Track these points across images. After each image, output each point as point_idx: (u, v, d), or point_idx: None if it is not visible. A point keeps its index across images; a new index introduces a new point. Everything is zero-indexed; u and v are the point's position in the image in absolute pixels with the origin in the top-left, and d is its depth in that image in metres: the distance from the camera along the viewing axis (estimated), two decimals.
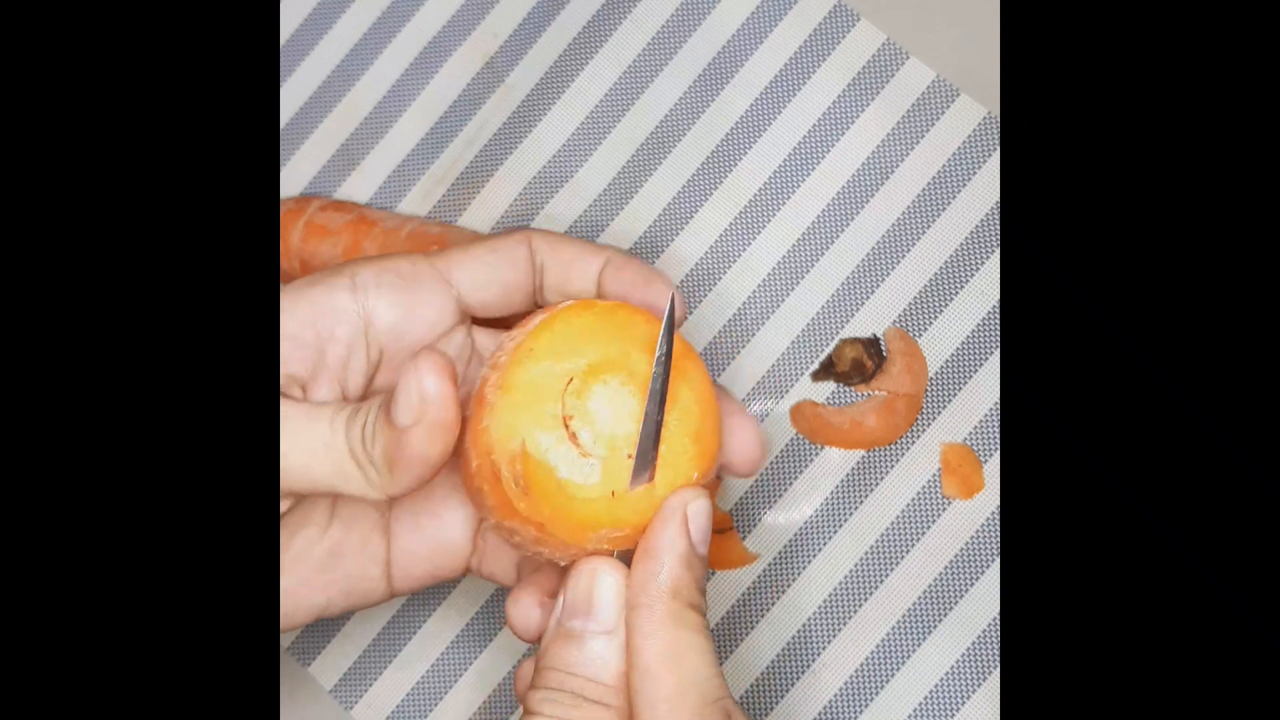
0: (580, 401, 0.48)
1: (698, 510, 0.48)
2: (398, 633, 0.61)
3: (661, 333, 0.48)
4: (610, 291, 0.53)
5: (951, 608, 0.59)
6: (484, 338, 0.54)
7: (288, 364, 0.51)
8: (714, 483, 0.54)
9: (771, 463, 0.60)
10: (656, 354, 0.48)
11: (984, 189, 0.60)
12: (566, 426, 0.48)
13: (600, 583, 0.47)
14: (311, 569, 0.52)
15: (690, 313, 0.61)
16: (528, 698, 0.47)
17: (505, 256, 0.53)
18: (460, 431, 0.49)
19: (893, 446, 0.60)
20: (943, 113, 0.61)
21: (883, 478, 0.60)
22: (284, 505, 0.51)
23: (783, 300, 0.61)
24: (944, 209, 0.60)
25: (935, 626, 0.58)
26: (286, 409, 0.48)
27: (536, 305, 0.54)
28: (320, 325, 0.52)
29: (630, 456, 0.48)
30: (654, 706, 0.46)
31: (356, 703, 0.61)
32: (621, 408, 0.48)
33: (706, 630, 0.47)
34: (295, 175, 0.64)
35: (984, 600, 0.58)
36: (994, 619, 0.58)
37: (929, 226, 0.60)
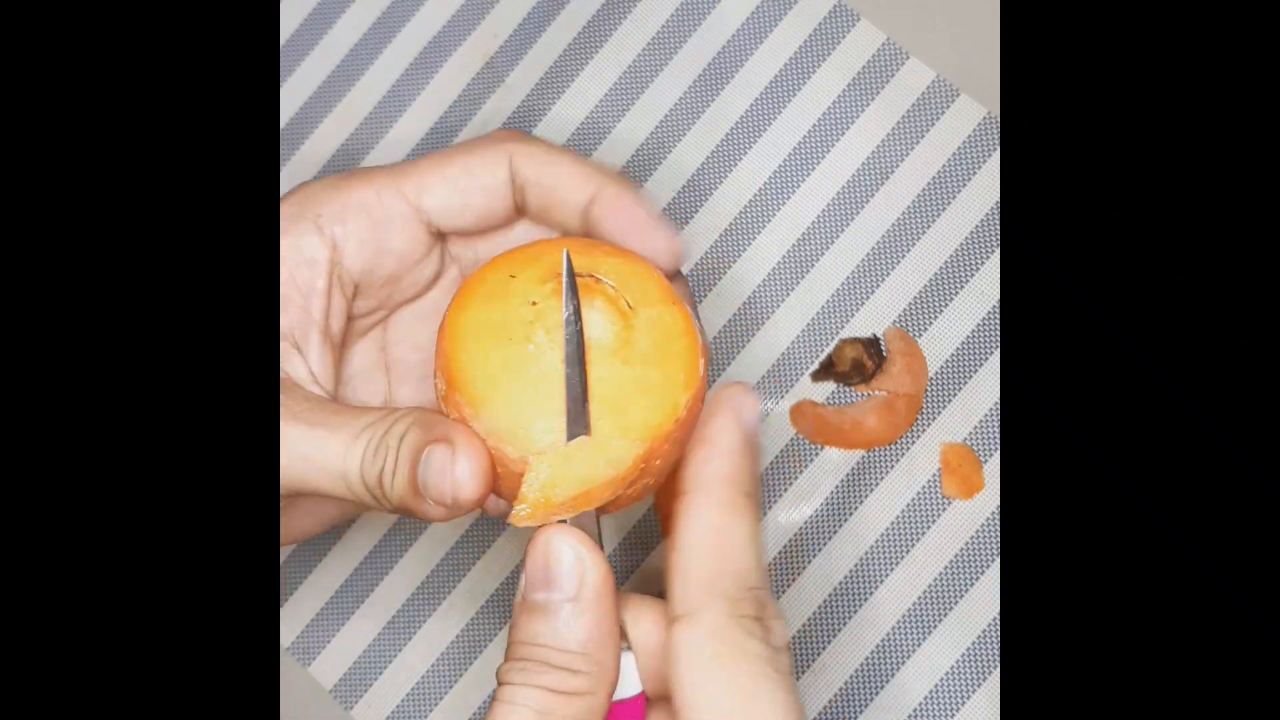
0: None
1: (748, 404, 0.47)
2: (398, 633, 0.61)
3: (564, 291, 0.46)
4: (598, 232, 0.51)
5: (951, 608, 0.59)
6: (459, 248, 0.54)
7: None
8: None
9: (771, 463, 0.60)
10: (564, 314, 0.46)
11: (984, 189, 0.60)
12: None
13: (556, 551, 0.46)
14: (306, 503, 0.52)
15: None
16: (500, 671, 0.46)
17: (481, 180, 0.51)
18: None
19: (893, 446, 0.60)
20: (943, 113, 0.61)
21: (883, 478, 0.60)
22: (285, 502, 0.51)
23: (783, 300, 0.61)
24: (944, 209, 0.60)
25: (935, 626, 0.58)
26: (297, 428, 0.47)
27: (519, 216, 0.53)
28: (299, 280, 0.51)
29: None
30: (687, 583, 0.45)
31: (356, 703, 0.61)
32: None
33: (757, 521, 0.46)
34: (295, 175, 0.64)
35: (984, 600, 0.58)
36: (994, 619, 0.58)
37: (929, 226, 0.60)
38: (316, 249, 0.51)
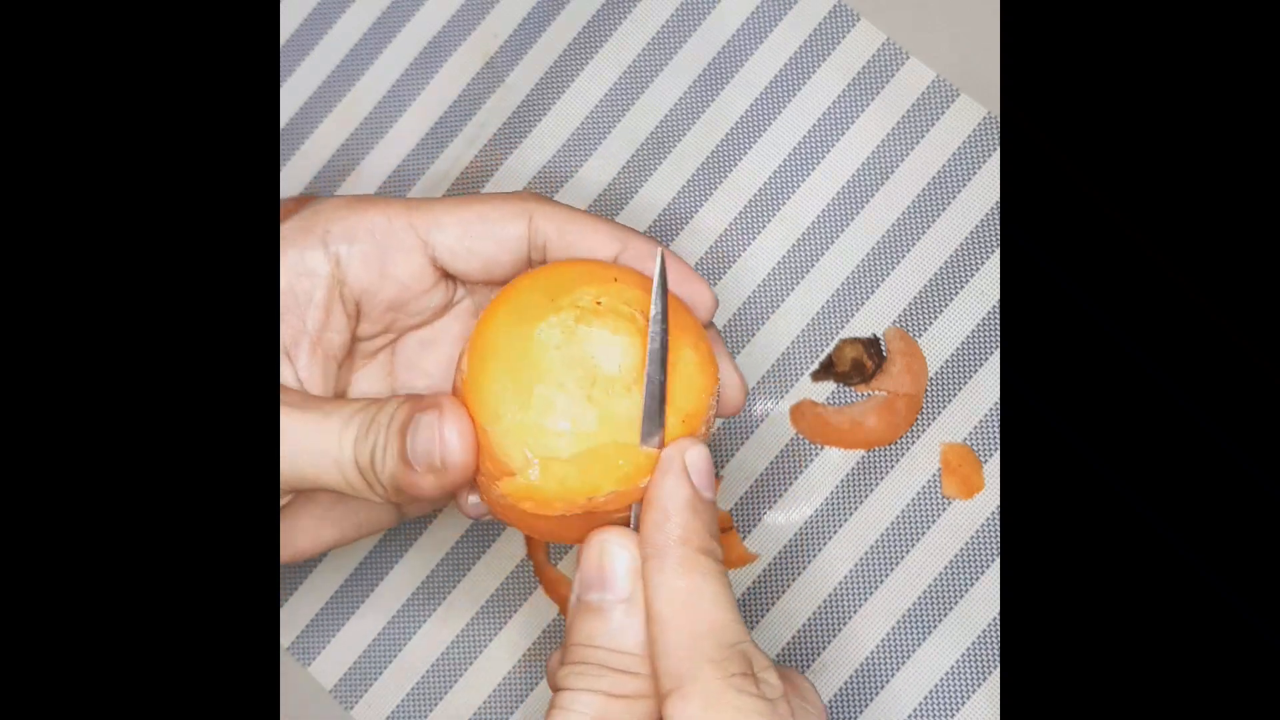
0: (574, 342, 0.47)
1: (696, 456, 0.47)
2: (398, 632, 0.61)
3: (655, 289, 0.47)
4: None
5: (951, 608, 0.59)
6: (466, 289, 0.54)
7: None
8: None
9: (771, 463, 0.60)
10: (652, 312, 0.47)
11: (984, 189, 0.60)
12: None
13: (610, 552, 0.46)
14: (323, 508, 0.52)
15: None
16: (558, 675, 0.46)
17: (496, 229, 0.51)
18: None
19: (893, 446, 0.60)
20: (943, 113, 0.61)
21: (883, 478, 0.59)
22: (285, 499, 0.51)
23: (783, 300, 0.61)
24: (944, 209, 0.60)
25: (935, 626, 0.58)
26: (292, 414, 0.48)
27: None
28: (298, 290, 0.51)
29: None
30: (669, 654, 0.45)
31: (356, 703, 0.61)
32: (615, 349, 0.47)
33: (722, 575, 0.46)
34: (295, 175, 0.64)
35: (984, 600, 0.58)
36: (994, 619, 0.58)
37: (929, 226, 0.60)
38: (319, 262, 0.51)
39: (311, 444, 0.48)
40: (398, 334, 0.54)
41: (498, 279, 0.53)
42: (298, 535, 0.53)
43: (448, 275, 0.53)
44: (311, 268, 0.51)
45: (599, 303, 0.48)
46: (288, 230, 0.51)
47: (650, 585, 0.46)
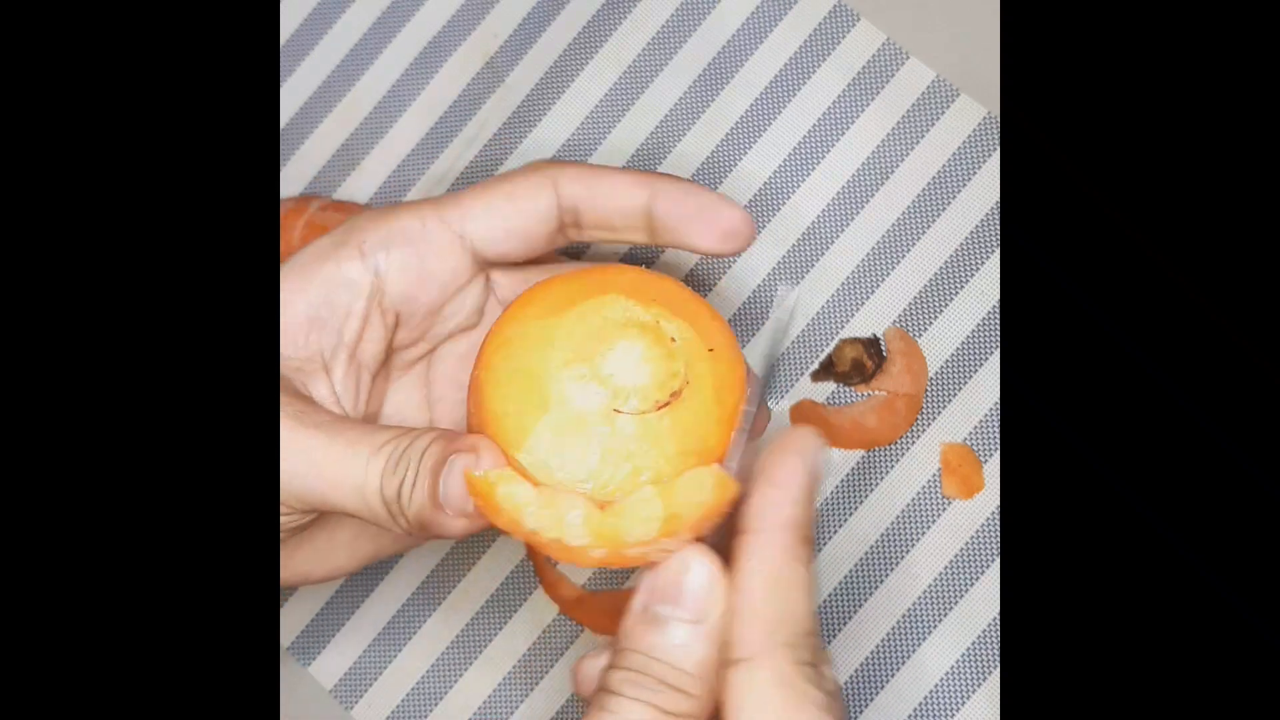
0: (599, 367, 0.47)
1: (817, 450, 0.47)
2: (398, 633, 0.61)
3: (770, 329, 0.47)
4: (666, 227, 0.51)
5: (951, 608, 0.59)
6: (502, 278, 0.53)
7: (308, 346, 0.50)
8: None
9: None
10: (766, 353, 0.47)
11: (984, 189, 0.60)
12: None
13: (692, 571, 0.46)
14: (359, 524, 0.52)
15: None
16: (607, 676, 0.46)
17: (525, 205, 0.51)
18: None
19: (893, 446, 0.60)
20: (943, 113, 0.61)
21: (883, 478, 0.59)
22: (309, 518, 0.50)
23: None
24: (944, 209, 0.60)
25: (935, 626, 0.58)
26: (318, 437, 0.47)
27: (568, 243, 0.53)
28: (336, 302, 0.51)
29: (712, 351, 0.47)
30: (750, 625, 0.45)
31: (356, 703, 0.61)
32: (643, 368, 0.47)
33: (812, 565, 0.46)
34: (295, 175, 0.64)
35: (984, 600, 0.58)
36: (994, 619, 0.58)
37: (929, 226, 0.60)
38: (358, 273, 0.51)
39: (335, 471, 0.47)
40: (434, 344, 0.54)
41: (536, 252, 0.53)
42: (336, 550, 0.53)
43: (484, 267, 0.53)
44: (351, 279, 0.51)
45: (615, 316, 0.48)
46: (323, 246, 0.51)
47: (748, 557, 0.46)
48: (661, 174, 0.52)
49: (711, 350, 0.48)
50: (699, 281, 0.61)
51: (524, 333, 0.48)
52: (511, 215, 0.51)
